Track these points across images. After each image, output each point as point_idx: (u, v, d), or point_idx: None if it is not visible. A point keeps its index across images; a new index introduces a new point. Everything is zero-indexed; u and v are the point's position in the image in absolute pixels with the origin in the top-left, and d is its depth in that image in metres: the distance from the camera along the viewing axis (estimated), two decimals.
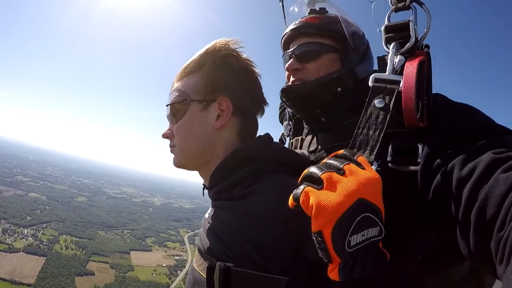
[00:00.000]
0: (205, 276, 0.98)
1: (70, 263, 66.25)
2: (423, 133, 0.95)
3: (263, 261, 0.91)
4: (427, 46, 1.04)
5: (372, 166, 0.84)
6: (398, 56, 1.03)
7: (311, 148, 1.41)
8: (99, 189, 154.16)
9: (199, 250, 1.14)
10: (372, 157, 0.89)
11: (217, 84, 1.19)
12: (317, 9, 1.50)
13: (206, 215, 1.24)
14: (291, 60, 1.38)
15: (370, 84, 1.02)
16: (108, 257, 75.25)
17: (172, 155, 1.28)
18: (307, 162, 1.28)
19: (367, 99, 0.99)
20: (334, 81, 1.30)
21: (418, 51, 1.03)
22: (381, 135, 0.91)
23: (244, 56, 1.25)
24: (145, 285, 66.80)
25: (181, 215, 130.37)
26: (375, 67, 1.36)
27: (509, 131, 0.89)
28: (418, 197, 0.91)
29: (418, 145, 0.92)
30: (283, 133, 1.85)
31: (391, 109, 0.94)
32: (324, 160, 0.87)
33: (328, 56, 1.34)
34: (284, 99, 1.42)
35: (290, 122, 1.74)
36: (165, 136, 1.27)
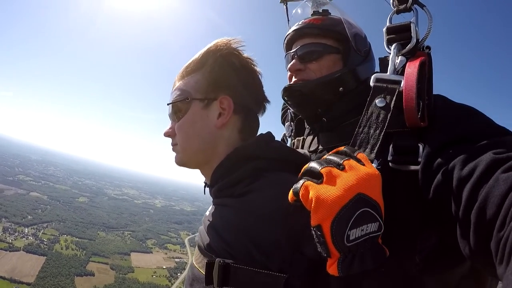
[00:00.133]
0: (204, 273, 0.98)
1: (70, 263, 66.16)
2: (423, 133, 0.95)
3: (263, 258, 0.91)
4: (428, 48, 1.05)
5: (373, 164, 0.84)
6: (400, 56, 1.04)
7: (312, 148, 1.42)
8: (100, 190, 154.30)
9: (199, 247, 1.14)
10: (373, 155, 0.89)
11: (219, 82, 1.20)
12: (320, 11, 1.53)
13: (207, 213, 1.25)
14: (294, 60, 1.40)
15: (371, 83, 1.03)
16: (108, 258, 75.18)
17: (174, 154, 1.28)
18: (308, 160, 1.26)
19: (368, 99, 1.00)
20: (336, 81, 1.32)
21: (419, 52, 1.04)
22: (382, 134, 0.92)
23: (245, 55, 1.26)
24: (145, 287, 66.74)
25: (182, 218, 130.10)
26: (377, 68, 1.35)
27: (509, 132, 0.89)
28: (419, 196, 0.91)
29: (419, 144, 0.93)
30: (285, 134, 1.86)
31: (392, 108, 0.94)
32: (325, 156, 0.87)
33: (331, 57, 1.35)
34: (285, 98, 1.43)
35: (292, 123, 1.75)
36: (166, 134, 1.28)
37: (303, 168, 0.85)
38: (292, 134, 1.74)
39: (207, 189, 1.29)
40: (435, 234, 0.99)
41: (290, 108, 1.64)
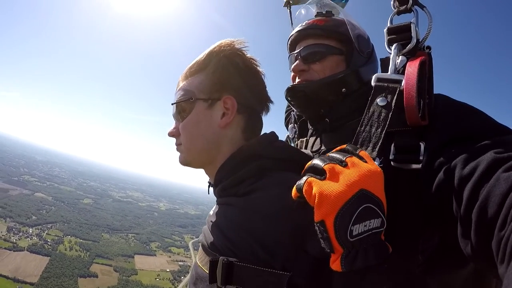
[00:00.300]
0: (207, 271, 0.98)
1: (73, 264, 65.88)
2: (425, 131, 0.96)
3: (266, 256, 0.92)
4: (429, 48, 1.07)
5: (375, 162, 0.84)
6: (400, 56, 1.05)
7: (315, 149, 1.43)
8: (105, 192, 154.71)
9: (203, 246, 1.14)
10: (374, 153, 0.91)
11: (222, 82, 1.20)
12: (324, 12, 1.53)
13: (211, 212, 1.24)
14: (297, 61, 1.41)
15: (372, 83, 1.04)
16: (112, 260, 74.82)
17: (178, 153, 1.28)
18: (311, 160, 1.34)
19: (369, 98, 1.02)
20: (339, 81, 1.33)
21: (419, 52, 1.06)
22: (383, 132, 0.92)
23: (248, 55, 1.26)
24: None
25: (186, 221, 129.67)
26: (379, 69, 1.32)
27: (510, 131, 0.90)
28: (421, 195, 0.92)
29: (420, 143, 0.94)
30: (288, 136, 1.87)
31: (393, 107, 0.95)
32: (328, 154, 0.88)
33: (334, 57, 1.36)
34: (289, 98, 1.44)
35: (295, 125, 1.75)
36: (171, 134, 1.28)
37: (307, 165, 0.86)
38: (296, 135, 1.74)
39: (211, 188, 1.29)
40: (437, 234, 1.00)
41: (293, 108, 1.65)
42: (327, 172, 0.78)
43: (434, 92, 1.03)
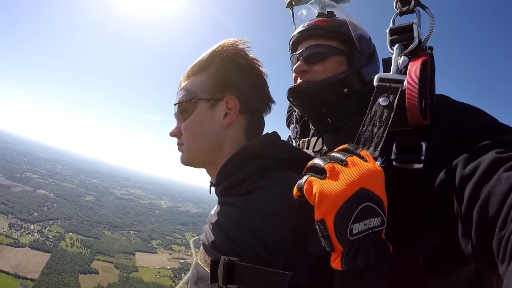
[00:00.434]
0: (209, 271, 0.98)
1: (74, 261, 65.79)
2: (426, 131, 0.96)
3: (268, 255, 0.92)
4: (431, 48, 1.07)
5: (377, 162, 0.84)
6: (402, 57, 1.06)
7: (316, 149, 1.43)
8: (107, 189, 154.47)
9: (204, 245, 1.14)
10: (377, 153, 0.91)
11: (225, 82, 1.20)
12: (326, 12, 1.55)
13: (212, 212, 1.23)
14: (299, 62, 1.42)
15: (374, 83, 1.05)
16: (113, 257, 74.79)
17: (180, 153, 1.28)
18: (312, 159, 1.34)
19: (372, 98, 1.02)
20: (340, 82, 1.34)
21: (421, 52, 1.06)
22: (385, 132, 0.93)
23: (251, 55, 1.26)
24: (149, 287, 66.08)
25: (188, 219, 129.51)
26: (381, 69, 1.32)
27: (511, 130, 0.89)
28: (422, 194, 0.92)
29: (422, 143, 0.93)
30: (290, 136, 1.87)
31: (395, 107, 0.96)
32: (328, 153, 0.88)
33: (335, 58, 1.37)
34: (291, 98, 1.45)
35: (297, 125, 1.75)
36: (172, 134, 1.27)
37: (307, 165, 0.87)
38: (297, 136, 1.74)
39: (212, 188, 1.29)
40: (438, 234, 0.99)
41: (295, 109, 1.66)
42: (327, 171, 0.78)
43: (436, 93, 1.02)
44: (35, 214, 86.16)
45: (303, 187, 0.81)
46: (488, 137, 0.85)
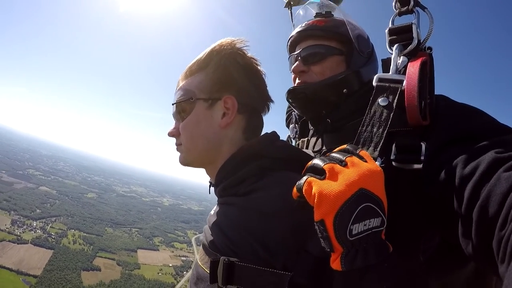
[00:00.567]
0: (208, 271, 0.98)
1: (77, 258, 66.26)
2: (426, 132, 0.96)
3: (267, 256, 0.91)
4: (430, 48, 1.06)
5: (376, 162, 0.84)
6: (401, 57, 1.06)
7: (316, 149, 1.42)
8: (109, 187, 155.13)
9: (204, 246, 1.14)
10: (376, 153, 0.91)
11: (223, 82, 1.19)
12: (323, 12, 1.53)
13: (212, 212, 1.24)
14: (297, 62, 1.41)
15: (374, 83, 1.04)
16: (115, 254, 75.20)
17: (178, 153, 1.27)
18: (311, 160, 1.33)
19: (371, 98, 1.02)
20: (339, 82, 1.33)
21: (420, 52, 1.05)
22: (385, 132, 0.93)
23: (249, 55, 1.25)
24: (151, 284, 66.34)
25: (189, 217, 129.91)
26: (380, 70, 1.31)
27: (511, 130, 0.90)
28: (422, 195, 0.92)
29: (422, 143, 0.93)
30: (289, 136, 1.86)
31: (394, 107, 0.95)
32: (328, 154, 0.88)
33: (334, 58, 1.36)
34: (290, 100, 1.45)
35: (296, 125, 1.75)
36: (171, 134, 1.26)
37: (307, 165, 0.86)
38: (297, 135, 1.73)
39: (212, 188, 1.28)
40: (438, 234, 0.99)
41: (295, 110, 1.66)
42: (326, 171, 0.78)
43: (435, 93, 1.02)
44: (38, 211, 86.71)
45: (302, 187, 0.81)
46: (487, 137, 0.85)
